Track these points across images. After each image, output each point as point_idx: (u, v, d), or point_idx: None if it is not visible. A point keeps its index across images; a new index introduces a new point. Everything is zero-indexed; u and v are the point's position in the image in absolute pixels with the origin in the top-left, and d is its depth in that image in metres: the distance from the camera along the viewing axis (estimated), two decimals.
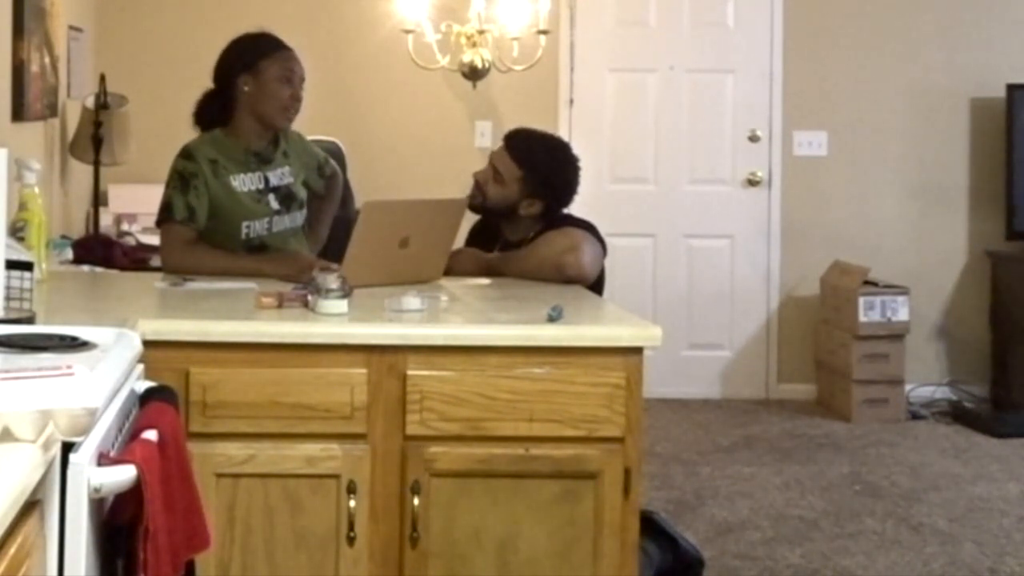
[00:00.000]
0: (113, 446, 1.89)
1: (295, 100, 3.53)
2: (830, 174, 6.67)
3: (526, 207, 3.67)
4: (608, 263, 3.71)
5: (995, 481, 5.19)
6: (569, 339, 2.67)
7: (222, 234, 3.46)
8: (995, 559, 4.27)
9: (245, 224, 3.47)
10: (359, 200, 4.61)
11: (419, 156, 6.47)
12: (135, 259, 4.73)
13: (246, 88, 3.50)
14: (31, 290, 2.47)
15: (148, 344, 2.44)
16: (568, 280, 3.42)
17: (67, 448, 1.69)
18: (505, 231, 3.72)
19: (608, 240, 3.80)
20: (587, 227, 3.67)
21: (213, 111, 3.56)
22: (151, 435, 1.92)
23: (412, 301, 2.80)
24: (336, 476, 2.61)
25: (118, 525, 1.85)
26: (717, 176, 6.65)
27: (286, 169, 3.61)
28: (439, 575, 2.64)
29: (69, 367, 1.75)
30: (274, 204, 3.54)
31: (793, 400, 6.57)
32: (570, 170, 3.81)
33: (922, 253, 6.68)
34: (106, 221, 5.61)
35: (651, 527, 3.56)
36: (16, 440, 1.56)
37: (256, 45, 3.55)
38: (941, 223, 6.70)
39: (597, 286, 3.58)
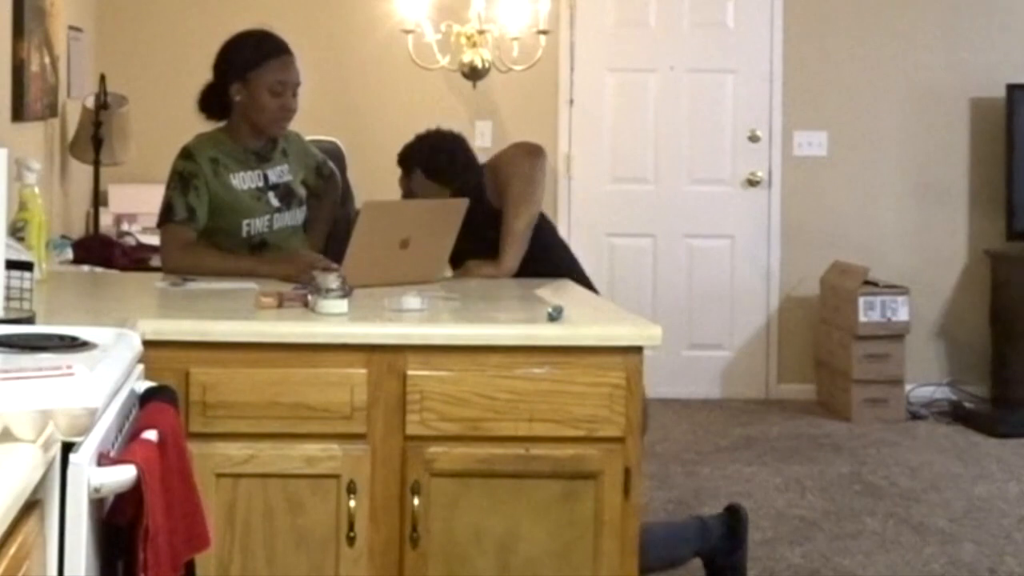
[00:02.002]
0: (113, 446, 1.89)
1: (284, 111, 3.50)
2: (830, 174, 6.67)
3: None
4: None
5: (995, 481, 5.19)
6: (569, 339, 2.67)
7: (223, 232, 3.46)
8: (995, 559, 4.27)
9: (246, 222, 3.47)
10: (359, 200, 4.61)
11: None
12: (135, 259, 4.74)
13: (238, 97, 3.49)
14: (31, 290, 2.47)
15: (148, 344, 2.44)
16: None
17: (67, 448, 1.69)
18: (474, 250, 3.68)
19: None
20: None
21: (214, 104, 3.56)
22: (151, 435, 1.92)
23: (412, 301, 2.80)
24: (336, 476, 2.61)
25: (118, 525, 1.85)
26: (717, 176, 6.65)
27: (285, 167, 3.61)
28: (439, 575, 2.64)
29: (69, 367, 1.75)
30: (274, 201, 3.54)
31: (793, 400, 6.56)
32: (444, 144, 3.79)
33: (922, 253, 6.68)
34: (106, 221, 5.61)
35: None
36: (16, 440, 1.56)
37: (250, 52, 3.50)
38: (941, 223, 6.69)
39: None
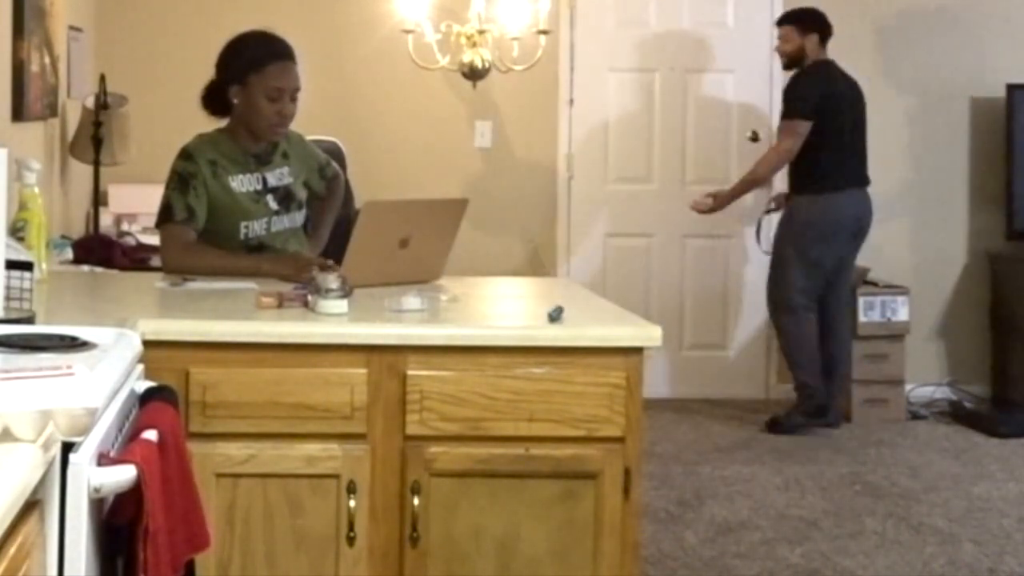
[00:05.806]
0: (113, 446, 1.89)
1: (281, 117, 3.48)
2: None
3: None
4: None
5: (995, 481, 5.19)
6: (569, 339, 2.67)
7: (221, 234, 3.46)
8: (995, 559, 4.27)
9: (244, 224, 3.47)
10: (359, 200, 4.61)
11: (419, 156, 6.47)
12: (135, 259, 4.74)
13: (236, 100, 3.49)
14: (31, 290, 2.47)
15: (148, 344, 2.44)
16: None
17: (67, 448, 1.69)
18: None
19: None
20: None
21: (216, 102, 3.56)
22: (151, 435, 1.92)
23: (412, 301, 2.80)
24: (336, 476, 2.61)
25: (118, 525, 1.85)
26: (717, 176, 6.64)
27: (285, 169, 3.60)
28: (439, 575, 2.64)
29: (69, 367, 1.75)
30: (272, 204, 3.54)
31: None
32: None
33: (922, 253, 6.68)
34: (106, 221, 5.61)
35: None
36: (16, 440, 1.56)
37: (251, 55, 3.49)
38: (941, 223, 6.69)
39: None
